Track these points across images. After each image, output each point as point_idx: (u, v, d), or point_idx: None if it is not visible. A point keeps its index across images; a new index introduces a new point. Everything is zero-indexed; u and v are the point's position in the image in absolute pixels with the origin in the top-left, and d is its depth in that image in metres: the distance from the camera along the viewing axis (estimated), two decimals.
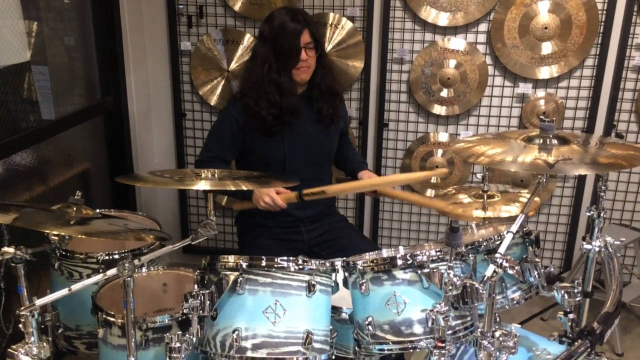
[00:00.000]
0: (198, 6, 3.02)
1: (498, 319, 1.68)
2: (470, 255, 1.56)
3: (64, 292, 1.53)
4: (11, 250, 1.61)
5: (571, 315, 1.65)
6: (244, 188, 1.60)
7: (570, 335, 1.66)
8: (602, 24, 2.74)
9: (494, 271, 1.32)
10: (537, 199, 1.57)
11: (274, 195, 2.12)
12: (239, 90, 2.33)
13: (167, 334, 1.42)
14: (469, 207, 2.05)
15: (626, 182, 2.97)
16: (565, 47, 2.78)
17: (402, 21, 2.91)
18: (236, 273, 1.46)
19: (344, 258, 1.59)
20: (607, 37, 2.75)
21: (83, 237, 1.92)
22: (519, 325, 1.71)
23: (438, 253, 1.47)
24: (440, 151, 3.05)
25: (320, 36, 2.27)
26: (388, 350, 1.49)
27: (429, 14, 2.86)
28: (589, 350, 1.55)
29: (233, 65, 3.04)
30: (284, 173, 2.26)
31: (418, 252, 1.48)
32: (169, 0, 3.02)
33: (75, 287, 1.53)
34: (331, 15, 2.92)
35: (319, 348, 1.48)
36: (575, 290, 1.60)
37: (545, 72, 2.84)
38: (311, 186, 2.28)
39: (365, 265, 1.50)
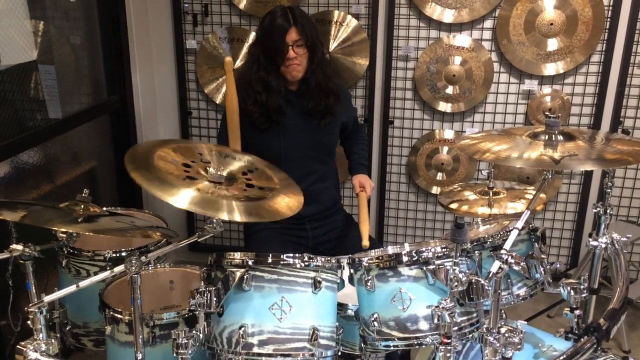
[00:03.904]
0: (203, 4, 3.03)
1: (504, 315, 1.68)
2: (475, 252, 1.57)
3: (71, 288, 1.54)
4: (19, 247, 1.62)
5: (577, 312, 1.65)
6: (237, 219, 1.40)
7: (577, 332, 1.66)
8: (608, 20, 2.73)
9: (499, 267, 1.32)
10: (543, 195, 1.57)
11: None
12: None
13: (174, 331, 1.43)
14: (474, 204, 2.05)
15: (633, 179, 2.96)
16: (571, 44, 2.77)
17: (407, 18, 2.90)
18: (242, 270, 1.46)
19: (350, 255, 1.59)
20: (613, 33, 2.74)
21: (90, 234, 1.93)
22: (525, 322, 1.71)
23: (443, 249, 1.47)
24: (445, 148, 3.04)
25: (312, 34, 2.22)
26: (394, 346, 1.49)
27: (434, 11, 2.85)
28: (595, 346, 1.55)
29: (238, 63, 3.05)
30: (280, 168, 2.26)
31: (423, 249, 1.48)
32: None
33: (83, 284, 1.54)
34: (336, 12, 2.92)
35: (325, 344, 1.49)
36: (581, 287, 1.60)
37: (551, 69, 2.83)
38: (312, 182, 2.28)
39: (371, 262, 1.51)
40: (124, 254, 1.96)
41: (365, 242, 2.05)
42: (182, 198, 1.37)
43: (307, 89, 2.26)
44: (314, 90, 2.26)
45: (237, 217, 1.40)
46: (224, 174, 1.54)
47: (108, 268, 1.86)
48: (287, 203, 1.60)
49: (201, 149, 1.67)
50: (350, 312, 1.67)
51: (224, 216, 1.39)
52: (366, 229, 2.12)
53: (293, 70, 2.20)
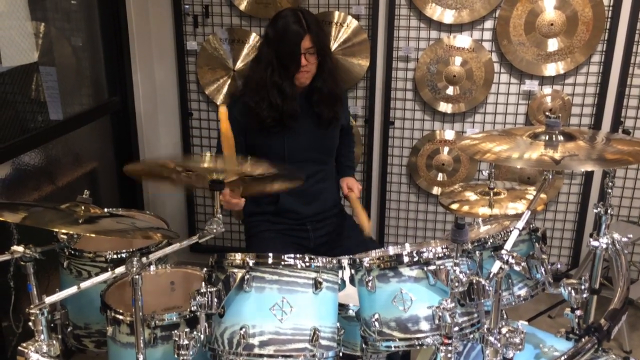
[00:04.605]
0: (204, 6, 3.03)
1: (505, 316, 1.68)
2: (476, 252, 1.56)
3: (73, 290, 1.54)
4: (20, 249, 1.63)
5: (578, 312, 1.65)
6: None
7: (578, 332, 1.66)
8: (609, 20, 2.73)
9: (500, 267, 1.32)
10: (543, 195, 1.57)
11: (225, 192, 2.01)
12: (240, 89, 2.35)
13: (176, 332, 1.43)
14: (475, 204, 2.05)
15: (634, 179, 2.96)
16: (572, 44, 2.78)
17: (408, 19, 2.90)
18: (243, 270, 1.47)
19: (350, 256, 1.59)
20: (614, 33, 2.74)
21: (91, 235, 1.93)
22: (526, 322, 1.71)
23: (444, 250, 1.47)
24: (446, 149, 3.04)
25: (324, 41, 2.23)
26: (395, 347, 1.49)
27: (435, 12, 2.85)
28: (596, 346, 1.55)
29: (239, 65, 3.05)
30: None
31: (424, 249, 1.48)
32: (175, 0, 3.03)
33: (85, 284, 1.54)
34: (336, 13, 2.92)
35: (326, 345, 1.49)
36: (582, 287, 1.60)
37: (551, 69, 2.84)
38: (313, 183, 2.29)
39: (372, 262, 1.51)
40: (125, 255, 1.96)
41: (368, 231, 2.14)
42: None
43: (320, 97, 2.26)
44: (326, 97, 2.26)
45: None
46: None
47: (109, 269, 1.86)
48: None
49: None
50: (351, 313, 1.67)
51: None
52: (365, 219, 2.19)
53: (302, 77, 2.21)
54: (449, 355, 1.37)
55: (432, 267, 1.46)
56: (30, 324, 1.56)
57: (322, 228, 2.38)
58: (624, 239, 1.79)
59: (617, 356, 1.61)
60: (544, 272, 1.66)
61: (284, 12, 2.23)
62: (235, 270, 1.47)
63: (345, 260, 1.58)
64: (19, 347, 1.54)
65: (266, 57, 2.23)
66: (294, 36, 2.15)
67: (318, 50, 2.19)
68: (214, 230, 1.56)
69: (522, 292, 1.68)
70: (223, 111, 1.95)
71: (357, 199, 2.35)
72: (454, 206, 2.05)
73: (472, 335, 1.46)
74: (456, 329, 1.40)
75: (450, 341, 1.36)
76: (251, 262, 1.47)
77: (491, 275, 1.32)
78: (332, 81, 2.28)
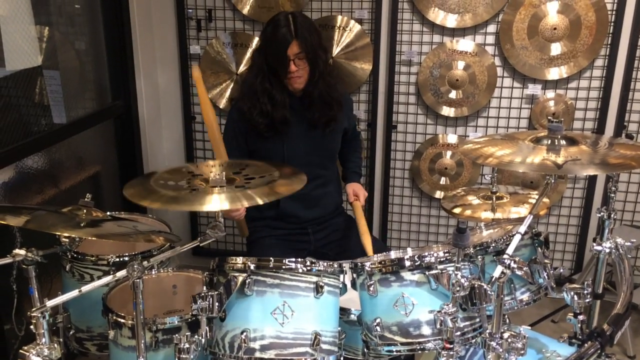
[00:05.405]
0: (207, 10, 3.04)
1: (507, 321, 1.67)
2: (478, 257, 1.56)
3: (74, 293, 1.54)
4: (23, 252, 1.63)
5: (581, 317, 1.64)
6: (260, 201, 1.45)
7: (580, 337, 1.65)
8: (612, 24, 2.73)
9: (502, 272, 1.31)
10: (546, 199, 1.57)
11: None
12: (238, 94, 2.36)
13: (177, 335, 1.43)
14: (478, 208, 2.05)
15: (637, 183, 2.95)
16: (575, 48, 2.77)
17: (410, 23, 2.91)
18: (244, 274, 1.47)
19: (352, 260, 1.59)
20: (617, 37, 2.74)
21: (94, 239, 1.94)
22: (529, 327, 1.70)
23: (446, 254, 1.47)
24: (449, 153, 3.04)
25: (314, 45, 2.17)
26: (396, 351, 1.49)
27: (437, 16, 2.85)
28: (599, 351, 1.54)
29: (242, 69, 3.06)
30: None
31: (426, 254, 1.48)
32: (179, 5, 3.04)
33: (86, 288, 1.54)
34: (339, 17, 2.93)
35: (327, 349, 1.49)
36: (585, 292, 1.59)
37: (554, 73, 2.83)
38: (314, 187, 2.28)
39: (373, 266, 1.51)
40: (127, 258, 1.96)
41: (371, 254, 2.05)
42: (213, 203, 1.43)
43: (311, 101, 2.25)
44: (317, 101, 2.24)
45: (259, 200, 1.43)
46: (223, 177, 1.52)
47: (111, 272, 1.86)
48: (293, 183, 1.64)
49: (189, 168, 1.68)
50: (352, 317, 1.67)
51: (245, 204, 1.44)
52: (368, 241, 2.12)
53: (294, 83, 2.19)
54: (451, 359, 1.36)
55: (433, 272, 1.46)
56: (32, 327, 1.56)
57: (323, 230, 2.38)
58: (628, 244, 1.79)
59: None
60: (546, 277, 1.65)
61: (277, 17, 2.20)
62: (237, 274, 1.47)
63: (346, 264, 1.58)
64: (20, 350, 1.54)
65: (257, 63, 2.23)
66: (281, 42, 2.12)
67: (307, 55, 2.16)
68: (216, 234, 1.56)
69: (525, 297, 1.67)
70: (196, 74, 1.94)
71: (361, 210, 2.31)
72: (457, 210, 2.05)
73: (474, 340, 1.46)
74: (458, 333, 1.40)
75: (452, 346, 1.35)
76: (252, 266, 1.47)
77: (493, 280, 1.32)
78: (324, 85, 2.24)
